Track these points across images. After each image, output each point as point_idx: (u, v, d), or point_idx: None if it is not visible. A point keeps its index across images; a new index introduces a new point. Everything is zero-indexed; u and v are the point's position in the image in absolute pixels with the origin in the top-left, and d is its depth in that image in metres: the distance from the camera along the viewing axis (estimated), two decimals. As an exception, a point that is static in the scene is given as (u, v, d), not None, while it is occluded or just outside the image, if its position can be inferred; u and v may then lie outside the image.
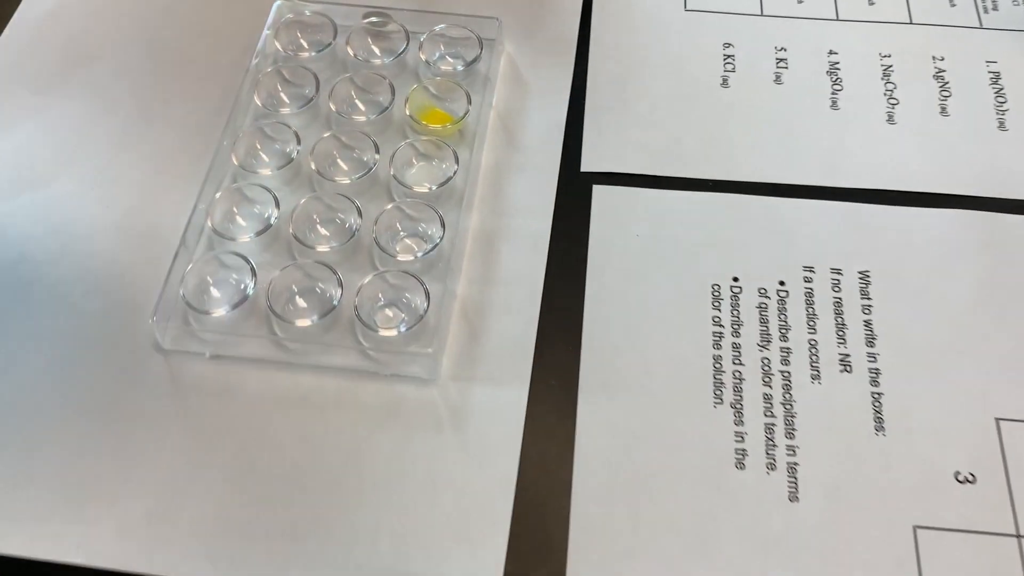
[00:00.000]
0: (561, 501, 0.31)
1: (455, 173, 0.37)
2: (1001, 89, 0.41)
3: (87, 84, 0.41)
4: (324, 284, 0.34)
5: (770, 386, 0.33)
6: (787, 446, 0.32)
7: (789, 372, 0.33)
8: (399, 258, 0.35)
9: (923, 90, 0.41)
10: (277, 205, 0.36)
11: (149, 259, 0.36)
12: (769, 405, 0.33)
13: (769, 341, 0.34)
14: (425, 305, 0.34)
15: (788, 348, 0.34)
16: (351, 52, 0.41)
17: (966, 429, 0.32)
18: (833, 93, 0.41)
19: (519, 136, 0.40)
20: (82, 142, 0.39)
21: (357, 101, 0.40)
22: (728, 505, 0.31)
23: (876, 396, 0.33)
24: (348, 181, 0.37)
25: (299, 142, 0.38)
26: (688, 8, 0.44)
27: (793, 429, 0.32)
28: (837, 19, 0.44)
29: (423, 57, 0.40)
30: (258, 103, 0.39)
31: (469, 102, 0.39)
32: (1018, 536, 0.30)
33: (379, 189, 0.37)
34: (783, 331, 0.34)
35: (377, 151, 0.37)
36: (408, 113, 0.39)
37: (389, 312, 0.34)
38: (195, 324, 0.34)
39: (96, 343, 0.34)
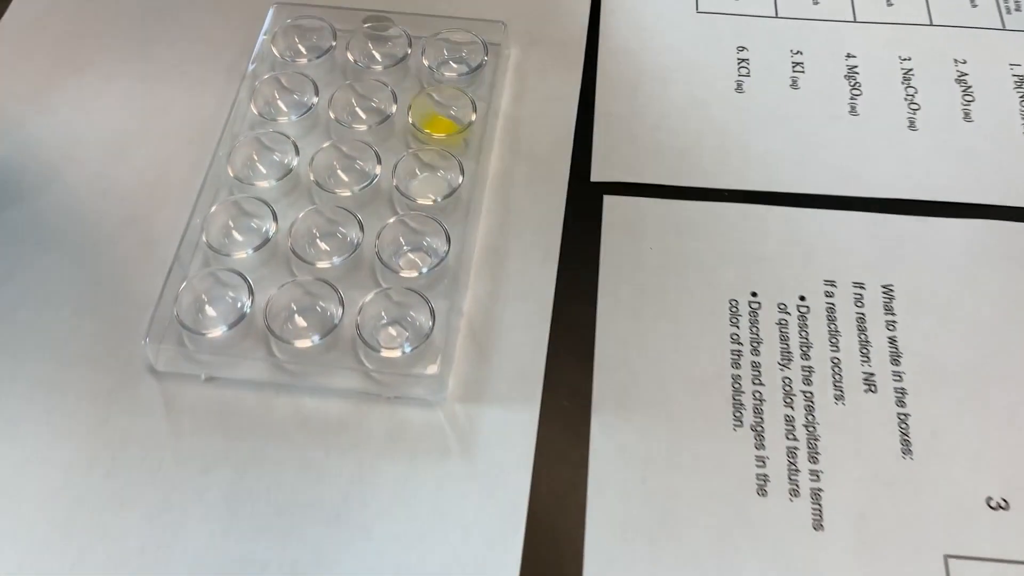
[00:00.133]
0: (575, 532, 0.30)
1: (460, 184, 0.36)
2: (1026, 93, 0.40)
3: (77, 91, 0.40)
4: (324, 302, 0.33)
5: (792, 407, 0.32)
6: (810, 471, 0.31)
7: (811, 392, 0.32)
8: (403, 274, 0.34)
9: (945, 94, 0.40)
10: (275, 219, 0.35)
11: (142, 276, 0.35)
12: (791, 428, 0.31)
13: (790, 359, 0.33)
14: (430, 323, 0.32)
15: (810, 367, 0.33)
16: (351, 58, 0.39)
17: (998, 451, 0.31)
18: (852, 98, 0.40)
19: (527, 145, 0.38)
20: (71, 153, 0.38)
21: (358, 109, 0.38)
22: (750, 535, 0.29)
23: (903, 417, 0.32)
24: (349, 193, 0.35)
25: (298, 152, 0.36)
26: (700, 10, 0.43)
27: (816, 453, 0.31)
28: (855, 21, 0.43)
29: (426, 63, 0.39)
30: (255, 111, 0.38)
31: (474, 110, 0.38)
32: (1055, 566, 0.29)
33: (381, 201, 0.36)
34: (804, 349, 0.33)
35: (379, 161, 0.36)
36: (411, 121, 0.37)
37: (392, 331, 0.33)
38: (190, 345, 0.33)
39: (86, 365, 0.33)
